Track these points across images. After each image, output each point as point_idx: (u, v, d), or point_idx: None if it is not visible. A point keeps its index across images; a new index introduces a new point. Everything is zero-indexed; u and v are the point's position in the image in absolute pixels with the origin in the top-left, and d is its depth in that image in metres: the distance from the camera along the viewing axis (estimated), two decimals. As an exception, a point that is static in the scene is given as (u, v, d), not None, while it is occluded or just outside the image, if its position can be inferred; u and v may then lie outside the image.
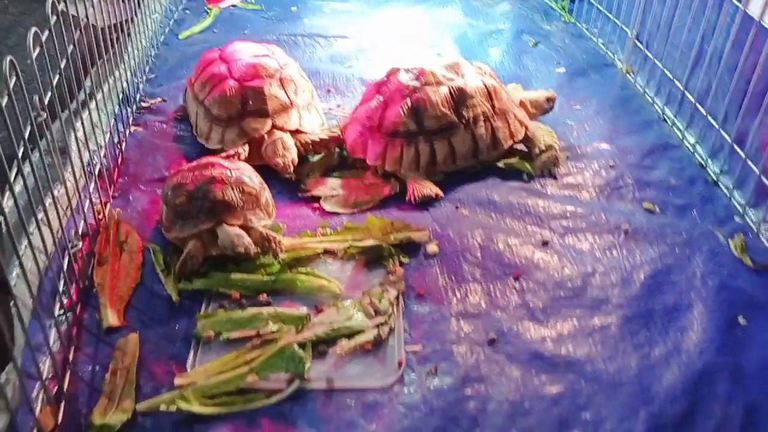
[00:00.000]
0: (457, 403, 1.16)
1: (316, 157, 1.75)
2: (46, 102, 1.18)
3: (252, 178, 1.47)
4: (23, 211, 1.08)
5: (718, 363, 1.22)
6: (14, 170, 1.10)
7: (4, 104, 1.01)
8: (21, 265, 1.05)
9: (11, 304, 1.03)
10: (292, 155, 1.65)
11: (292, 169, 1.64)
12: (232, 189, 1.41)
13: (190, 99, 1.84)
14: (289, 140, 1.68)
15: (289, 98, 1.74)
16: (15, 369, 0.96)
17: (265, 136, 1.68)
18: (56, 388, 1.14)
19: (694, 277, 1.40)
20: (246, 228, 1.39)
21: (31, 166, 1.13)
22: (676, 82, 1.88)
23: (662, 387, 1.18)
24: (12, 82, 1.04)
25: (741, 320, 1.30)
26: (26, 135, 1.10)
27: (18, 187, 1.10)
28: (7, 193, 1.11)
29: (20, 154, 1.08)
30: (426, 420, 1.13)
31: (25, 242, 1.16)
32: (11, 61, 1.03)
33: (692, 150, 1.79)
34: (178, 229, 1.39)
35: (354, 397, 1.17)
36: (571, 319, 1.31)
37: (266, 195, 1.49)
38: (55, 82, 1.27)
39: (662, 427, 1.12)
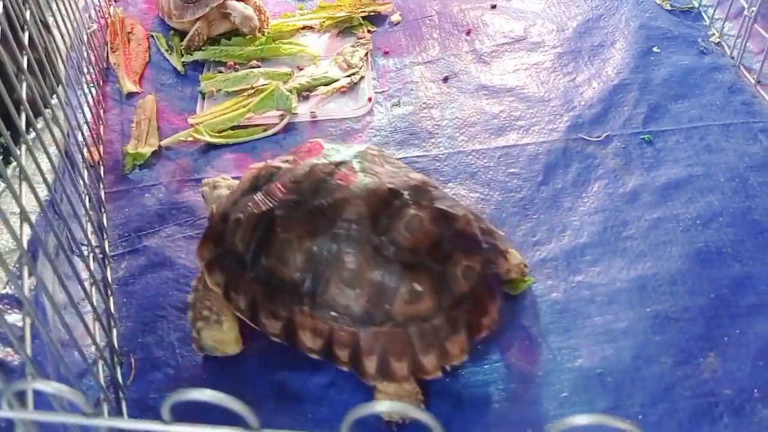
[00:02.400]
0: (416, 123, 1.44)
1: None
2: None
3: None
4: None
5: (631, 78, 1.48)
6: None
7: None
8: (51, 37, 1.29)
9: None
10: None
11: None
12: None
13: None
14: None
15: None
16: (60, 103, 1.23)
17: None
18: (95, 134, 1.41)
19: (620, 21, 1.64)
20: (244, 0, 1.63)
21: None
22: None
23: (583, 99, 1.46)
24: None
25: (655, 49, 1.55)
26: None
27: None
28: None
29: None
30: (391, 136, 1.42)
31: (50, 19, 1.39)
32: None
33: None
34: (191, 13, 1.61)
35: (334, 125, 1.45)
36: (512, 60, 1.57)
37: None
38: None
39: (580, 125, 1.40)
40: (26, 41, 0.97)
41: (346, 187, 0.96)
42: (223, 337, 1.03)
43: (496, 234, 1.06)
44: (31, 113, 0.89)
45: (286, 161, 1.04)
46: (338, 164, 0.99)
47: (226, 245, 1.01)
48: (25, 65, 0.93)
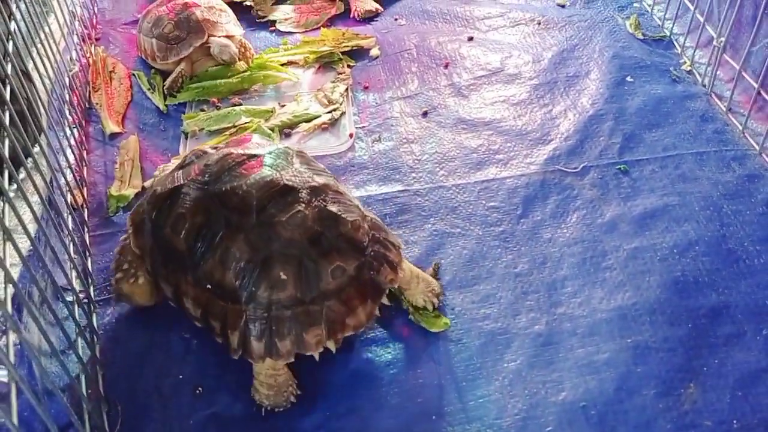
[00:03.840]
0: (397, 158, 1.46)
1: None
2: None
3: (217, 0, 1.71)
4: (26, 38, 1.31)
5: (606, 108, 1.52)
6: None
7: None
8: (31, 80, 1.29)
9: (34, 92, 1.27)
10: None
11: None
12: (206, 9, 1.65)
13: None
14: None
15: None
16: (42, 151, 1.24)
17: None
18: (79, 177, 1.42)
19: (594, 51, 1.68)
20: (228, 38, 1.65)
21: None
22: None
23: (559, 130, 1.48)
24: None
25: (629, 78, 1.59)
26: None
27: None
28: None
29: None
30: (374, 173, 1.43)
31: (30, 65, 1.40)
32: None
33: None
34: (174, 53, 1.63)
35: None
36: (489, 92, 1.60)
37: (232, 14, 1.73)
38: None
39: (558, 157, 1.43)
40: (8, 95, 0.98)
41: (246, 176, 1.05)
42: (136, 289, 1.15)
43: (390, 246, 1.10)
44: (12, 168, 0.90)
45: (216, 148, 1.17)
46: (250, 156, 1.09)
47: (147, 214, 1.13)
48: (7, 121, 0.94)
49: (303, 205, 1.02)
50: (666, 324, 1.13)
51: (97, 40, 1.82)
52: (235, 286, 1.00)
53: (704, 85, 1.56)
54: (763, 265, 1.20)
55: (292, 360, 1.01)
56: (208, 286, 1.02)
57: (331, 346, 1.02)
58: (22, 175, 1.07)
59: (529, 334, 1.13)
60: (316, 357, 1.02)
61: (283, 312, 0.99)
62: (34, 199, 1.08)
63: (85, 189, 1.42)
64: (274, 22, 1.85)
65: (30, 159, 1.09)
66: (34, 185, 1.05)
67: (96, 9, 1.93)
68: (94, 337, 1.16)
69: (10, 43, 1.13)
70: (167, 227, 1.07)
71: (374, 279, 1.05)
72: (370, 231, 1.07)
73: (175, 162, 1.31)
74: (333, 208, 1.04)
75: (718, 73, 1.53)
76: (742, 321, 1.12)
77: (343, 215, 1.04)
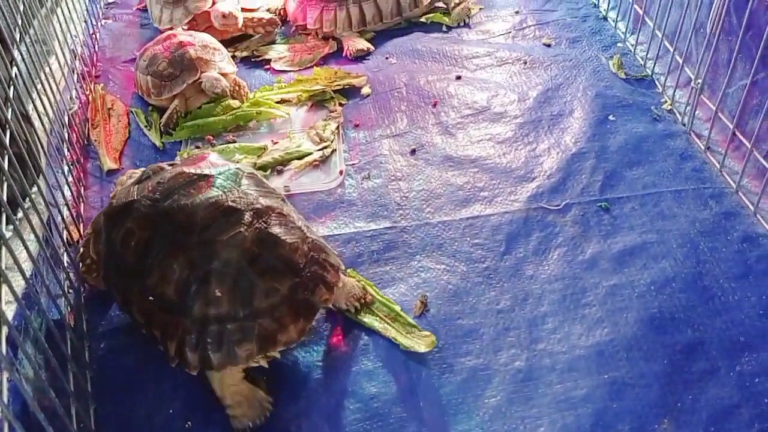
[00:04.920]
0: (385, 195, 1.50)
1: (256, 37, 2.02)
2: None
3: (211, 39, 1.78)
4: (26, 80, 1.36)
5: (588, 147, 1.56)
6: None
7: None
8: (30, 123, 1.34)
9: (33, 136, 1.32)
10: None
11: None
12: (200, 48, 1.71)
13: None
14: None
15: None
16: (39, 190, 1.28)
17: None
18: (75, 213, 1.46)
19: (577, 90, 1.73)
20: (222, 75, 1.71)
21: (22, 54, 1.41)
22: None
23: (543, 168, 1.53)
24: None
25: (611, 117, 1.64)
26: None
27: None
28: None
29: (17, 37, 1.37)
30: (362, 209, 1.47)
31: (30, 106, 1.45)
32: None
33: (588, -7, 2.08)
34: (168, 90, 1.69)
35: (307, 198, 1.51)
36: (476, 131, 1.65)
37: (226, 52, 1.79)
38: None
39: (541, 194, 1.47)
40: (7, 140, 1.03)
41: (194, 196, 1.12)
42: (98, 281, 1.26)
43: (329, 267, 1.16)
44: (10, 212, 0.94)
45: (173, 164, 1.24)
46: (201, 176, 1.15)
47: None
48: (6, 165, 0.98)
49: (244, 226, 1.09)
50: (642, 360, 1.16)
51: (96, 77, 1.88)
52: (175, 300, 1.07)
53: (684, 124, 1.61)
54: (738, 302, 1.23)
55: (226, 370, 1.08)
56: (151, 298, 1.09)
57: (263, 362, 1.10)
58: (20, 214, 1.11)
59: (509, 370, 1.16)
60: (265, 365, 1.11)
61: (217, 327, 1.05)
62: (31, 237, 1.12)
63: (81, 225, 1.46)
64: (269, 61, 1.90)
65: (27, 199, 1.14)
66: (31, 226, 1.09)
67: (97, 47, 2.00)
68: (86, 371, 1.19)
69: (11, 88, 1.18)
70: (118, 239, 1.15)
71: (308, 299, 1.11)
72: (309, 252, 1.14)
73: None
74: (273, 230, 1.11)
75: (696, 112, 1.58)
76: (716, 357, 1.15)
77: (282, 237, 1.11)
